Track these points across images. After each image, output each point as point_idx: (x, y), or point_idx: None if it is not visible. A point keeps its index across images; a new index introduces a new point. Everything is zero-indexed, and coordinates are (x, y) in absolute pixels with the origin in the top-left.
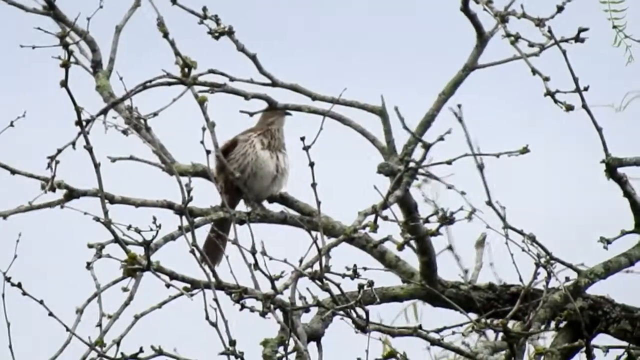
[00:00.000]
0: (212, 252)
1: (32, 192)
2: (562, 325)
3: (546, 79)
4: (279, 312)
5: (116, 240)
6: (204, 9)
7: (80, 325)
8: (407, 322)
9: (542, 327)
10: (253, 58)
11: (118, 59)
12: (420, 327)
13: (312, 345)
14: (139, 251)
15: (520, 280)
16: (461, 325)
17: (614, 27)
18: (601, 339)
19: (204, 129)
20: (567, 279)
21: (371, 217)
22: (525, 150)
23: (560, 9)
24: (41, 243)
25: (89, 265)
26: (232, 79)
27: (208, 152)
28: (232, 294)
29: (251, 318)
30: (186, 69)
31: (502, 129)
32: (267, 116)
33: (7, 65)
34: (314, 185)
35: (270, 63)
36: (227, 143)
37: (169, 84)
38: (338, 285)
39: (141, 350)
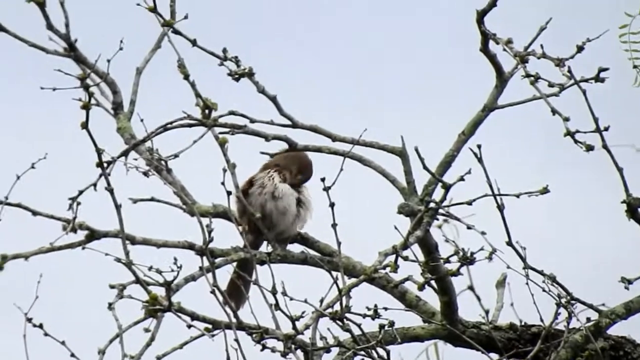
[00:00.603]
0: (235, 294)
1: (53, 233)
2: None
3: (566, 119)
4: (300, 353)
5: (137, 280)
6: (224, 50)
7: None
8: None
9: None
10: (273, 100)
11: (139, 101)
12: None
13: None
14: (160, 292)
15: (541, 320)
16: None
17: (635, 67)
18: None
19: (224, 170)
20: (588, 319)
21: (392, 257)
22: (545, 191)
23: (580, 48)
24: (62, 284)
25: (110, 306)
26: (252, 121)
27: (229, 193)
28: (253, 335)
29: (272, 358)
30: (207, 111)
31: (522, 169)
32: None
33: (28, 107)
34: (334, 225)
35: (290, 104)
36: (245, 183)
37: (190, 125)
38: (359, 326)
39: None
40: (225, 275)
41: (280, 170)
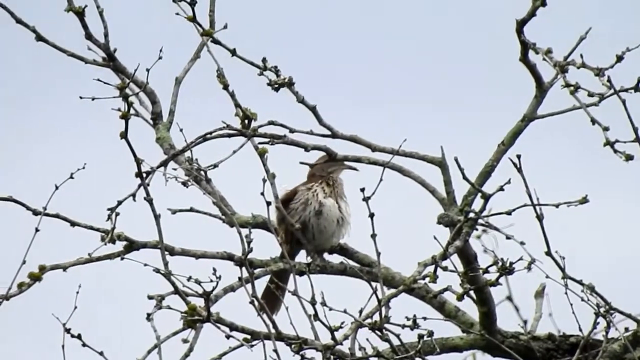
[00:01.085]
0: (270, 302)
1: (92, 244)
2: None
3: (606, 129)
4: None
5: (176, 291)
6: (264, 60)
7: None
8: None
9: None
10: (313, 109)
11: (178, 111)
12: None
13: None
14: (199, 302)
15: (580, 330)
16: None
17: None
18: None
19: (264, 180)
20: (627, 329)
21: (431, 268)
22: (584, 201)
23: (619, 58)
24: (101, 295)
25: (149, 317)
26: (292, 131)
27: (268, 203)
28: (292, 345)
29: None
30: (246, 121)
31: (561, 179)
32: (327, 166)
33: (67, 117)
34: (373, 236)
35: (329, 114)
36: (288, 193)
37: (229, 135)
38: (398, 336)
39: None
40: (264, 285)
41: (323, 184)
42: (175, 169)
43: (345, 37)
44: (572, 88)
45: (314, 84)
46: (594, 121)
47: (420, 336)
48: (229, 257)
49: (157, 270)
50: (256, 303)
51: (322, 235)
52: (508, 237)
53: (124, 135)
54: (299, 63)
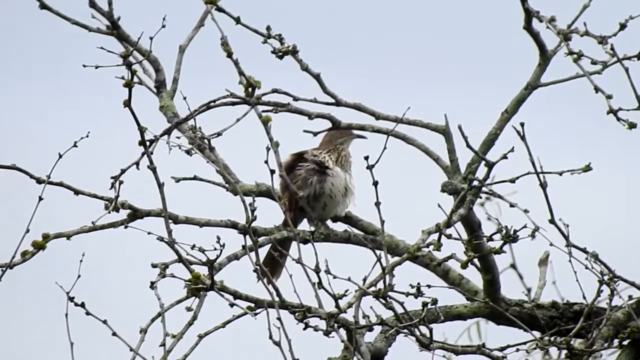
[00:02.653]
0: (271, 267)
1: (95, 212)
2: (625, 343)
3: (609, 97)
4: (342, 331)
5: (180, 259)
6: (268, 28)
7: (144, 345)
8: (471, 340)
9: (605, 344)
10: (317, 77)
11: (182, 79)
12: (483, 345)
13: None
14: (203, 271)
15: (584, 298)
16: (525, 343)
17: None
18: None
19: (267, 149)
20: (631, 297)
21: (435, 236)
22: (587, 168)
23: (623, 26)
24: (104, 263)
25: (152, 285)
26: (295, 99)
27: (272, 171)
28: (296, 313)
29: (315, 337)
30: (250, 89)
31: (564, 147)
32: (335, 135)
33: (71, 85)
34: (377, 204)
35: (333, 82)
36: (293, 156)
37: (233, 103)
38: (402, 304)
39: None
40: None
41: (331, 151)
42: (178, 137)
43: (350, 5)
44: (575, 56)
45: (318, 51)
46: (597, 89)
47: (424, 304)
48: (233, 225)
49: (161, 239)
50: (260, 271)
51: (331, 202)
52: (512, 205)
53: (127, 103)
54: (303, 31)
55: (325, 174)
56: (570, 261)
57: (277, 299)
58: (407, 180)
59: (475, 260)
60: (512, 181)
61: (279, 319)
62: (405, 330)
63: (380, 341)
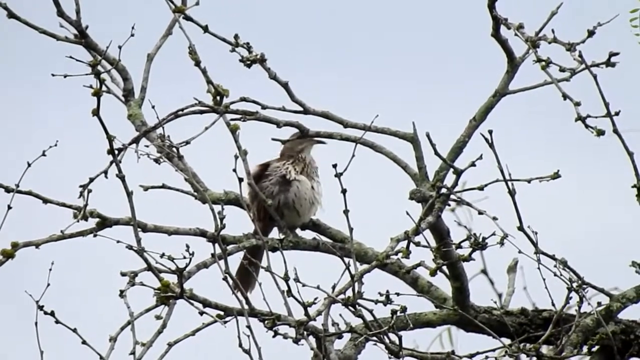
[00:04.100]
0: (244, 279)
1: (64, 221)
2: (594, 349)
3: (577, 104)
4: (312, 339)
5: (149, 268)
6: (236, 36)
7: (114, 354)
8: (442, 347)
9: (575, 351)
10: (285, 86)
11: (150, 88)
12: (453, 352)
13: None
14: (172, 279)
15: (553, 304)
16: (494, 350)
17: None
18: None
19: (236, 157)
20: (599, 303)
21: (403, 243)
22: (556, 176)
23: (591, 33)
24: (74, 272)
25: (122, 294)
26: (263, 107)
27: (240, 179)
28: (265, 321)
29: (284, 345)
30: (218, 97)
31: (533, 155)
32: (296, 143)
33: (39, 94)
34: (346, 212)
35: (301, 91)
36: (260, 167)
37: (201, 112)
38: (371, 311)
39: None
40: (237, 262)
41: (294, 162)
42: (147, 146)
43: (317, 14)
44: (543, 63)
45: (286, 60)
46: (565, 96)
47: (394, 312)
48: (202, 233)
49: (130, 247)
50: (229, 279)
51: (298, 211)
52: (480, 213)
53: (96, 112)
54: (271, 39)
55: (289, 184)
56: (539, 268)
57: (246, 307)
58: (375, 188)
59: (444, 267)
60: (481, 189)
61: (248, 327)
62: (375, 338)
63: (350, 349)
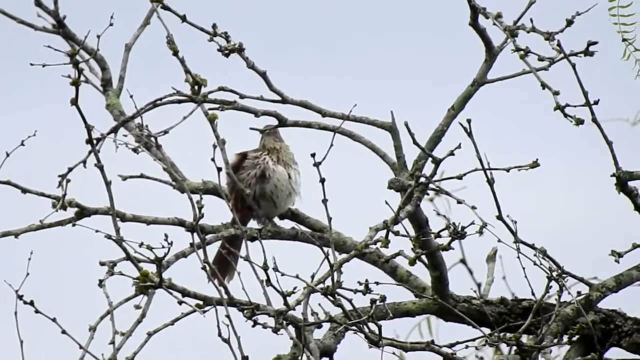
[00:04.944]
0: (223, 268)
1: (43, 211)
2: (574, 339)
3: (556, 93)
4: (291, 328)
5: (128, 257)
6: (214, 26)
7: (93, 343)
8: (422, 336)
9: (555, 341)
10: (263, 75)
11: (128, 77)
12: (432, 341)
13: None
14: (151, 268)
15: (532, 294)
16: (474, 339)
17: (624, 40)
18: (613, 353)
19: (214, 146)
20: (579, 293)
21: (382, 233)
22: (535, 165)
23: (569, 22)
24: (53, 261)
25: (101, 283)
26: (242, 97)
27: (219, 169)
28: (245, 311)
29: (264, 334)
30: (196, 87)
31: (512, 144)
32: (263, 138)
33: (17, 84)
34: (325, 201)
35: (280, 80)
36: (238, 156)
37: (179, 101)
38: (350, 301)
39: None
40: (215, 251)
41: (269, 152)
42: (125, 136)
43: (294, 2)
44: (522, 52)
45: (264, 50)
46: (544, 85)
47: (373, 301)
48: (180, 223)
49: (109, 237)
50: (207, 269)
51: (275, 202)
52: (459, 202)
53: (74, 102)
54: (249, 29)
55: (265, 176)
56: (518, 257)
57: (225, 296)
58: (354, 178)
59: (423, 257)
60: (460, 178)
61: (227, 316)
62: (354, 327)
63: (329, 338)
